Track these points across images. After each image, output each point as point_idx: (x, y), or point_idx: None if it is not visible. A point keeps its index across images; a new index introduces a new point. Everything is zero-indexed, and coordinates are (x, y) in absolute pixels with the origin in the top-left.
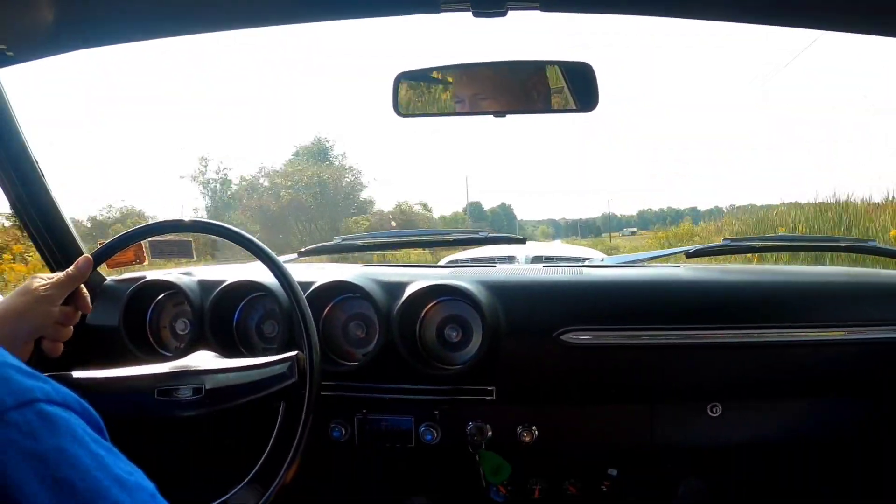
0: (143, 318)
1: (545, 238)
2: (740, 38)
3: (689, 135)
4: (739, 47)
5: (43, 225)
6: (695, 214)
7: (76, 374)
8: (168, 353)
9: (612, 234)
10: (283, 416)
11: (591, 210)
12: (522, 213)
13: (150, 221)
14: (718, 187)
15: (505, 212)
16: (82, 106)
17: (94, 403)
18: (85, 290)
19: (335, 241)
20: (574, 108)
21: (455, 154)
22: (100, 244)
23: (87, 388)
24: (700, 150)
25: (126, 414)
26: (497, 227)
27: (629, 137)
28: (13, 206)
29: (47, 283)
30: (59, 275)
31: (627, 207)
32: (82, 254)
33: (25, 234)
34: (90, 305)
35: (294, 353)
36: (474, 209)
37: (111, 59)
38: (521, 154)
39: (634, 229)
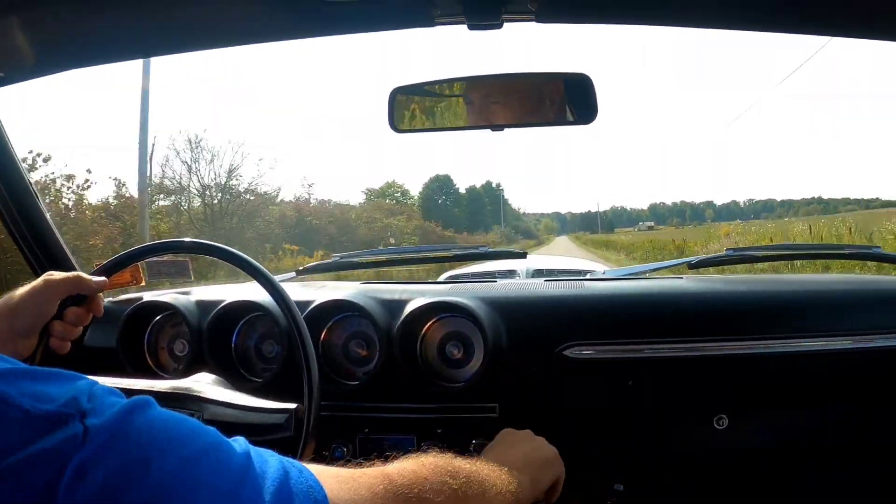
0: (141, 340)
1: (549, 234)
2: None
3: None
4: (746, 50)
5: (29, 231)
6: (712, 209)
7: None
8: (167, 375)
9: (626, 230)
10: None
11: (599, 203)
12: (522, 203)
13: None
14: (736, 181)
15: (490, 194)
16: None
17: None
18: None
19: (333, 259)
20: (573, 120)
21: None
22: (96, 265)
23: None
24: (713, 145)
25: None
26: (477, 210)
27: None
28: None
29: (53, 281)
30: (72, 275)
31: (638, 201)
32: (68, 258)
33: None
34: (102, 309)
35: (294, 405)
36: (440, 185)
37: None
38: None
39: (652, 223)
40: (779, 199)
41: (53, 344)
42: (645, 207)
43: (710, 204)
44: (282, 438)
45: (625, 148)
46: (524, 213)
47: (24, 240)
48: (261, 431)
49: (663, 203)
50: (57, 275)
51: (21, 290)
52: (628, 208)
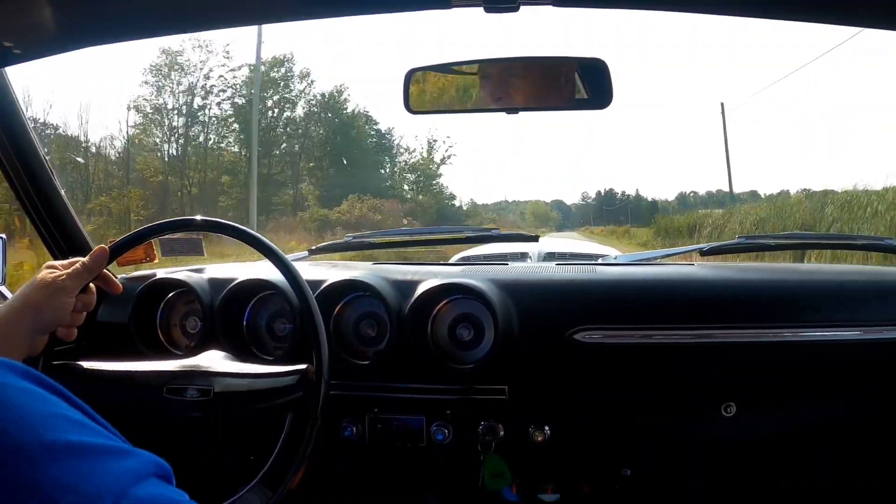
0: (154, 317)
1: (542, 226)
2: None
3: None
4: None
5: (50, 218)
6: (752, 199)
7: (86, 364)
8: (179, 352)
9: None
10: (289, 427)
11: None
12: (513, 188)
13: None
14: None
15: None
16: None
17: (102, 396)
18: (109, 273)
19: (346, 239)
20: (588, 104)
21: None
22: (110, 242)
23: (96, 380)
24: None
25: (134, 409)
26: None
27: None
28: (20, 199)
29: (63, 274)
30: (76, 265)
31: (665, 191)
32: (86, 240)
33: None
34: (120, 286)
35: (304, 366)
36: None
37: None
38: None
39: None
40: (839, 190)
41: (60, 333)
42: (671, 198)
43: (753, 193)
44: (293, 400)
45: (642, 133)
46: (515, 203)
47: (42, 223)
48: (272, 396)
49: (694, 192)
50: (60, 268)
51: (36, 288)
52: (649, 198)
